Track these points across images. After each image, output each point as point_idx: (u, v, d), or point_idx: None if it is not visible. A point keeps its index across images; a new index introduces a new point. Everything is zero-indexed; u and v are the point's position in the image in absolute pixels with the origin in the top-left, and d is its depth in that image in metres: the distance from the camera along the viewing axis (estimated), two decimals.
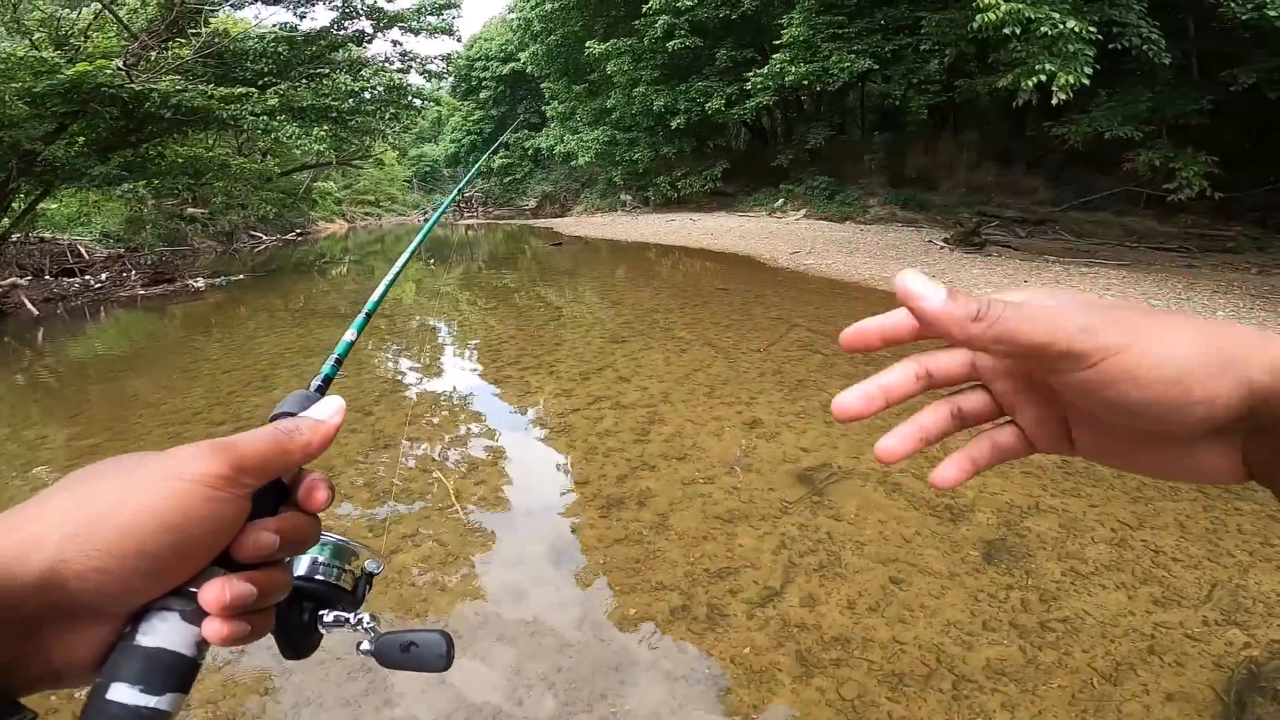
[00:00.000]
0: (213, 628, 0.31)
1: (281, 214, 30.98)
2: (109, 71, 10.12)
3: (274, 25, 13.80)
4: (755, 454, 3.80)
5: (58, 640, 0.29)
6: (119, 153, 13.27)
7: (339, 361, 0.48)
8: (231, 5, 14.20)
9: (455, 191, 1.19)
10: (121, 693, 0.28)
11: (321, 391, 0.42)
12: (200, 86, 11.44)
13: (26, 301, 10.57)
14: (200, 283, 13.20)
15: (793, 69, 14.47)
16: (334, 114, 13.07)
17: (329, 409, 0.38)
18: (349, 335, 0.52)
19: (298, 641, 0.39)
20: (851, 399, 0.34)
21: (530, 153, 33.57)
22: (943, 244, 11.66)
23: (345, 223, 39.58)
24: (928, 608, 2.49)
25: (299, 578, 0.39)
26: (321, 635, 0.40)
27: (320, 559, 0.40)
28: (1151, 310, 0.28)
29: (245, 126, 12.41)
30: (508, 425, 4.51)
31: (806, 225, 15.77)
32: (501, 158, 35.52)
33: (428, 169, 49.32)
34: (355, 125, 14.05)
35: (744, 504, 3.29)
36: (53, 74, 9.76)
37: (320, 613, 0.40)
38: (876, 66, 13.85)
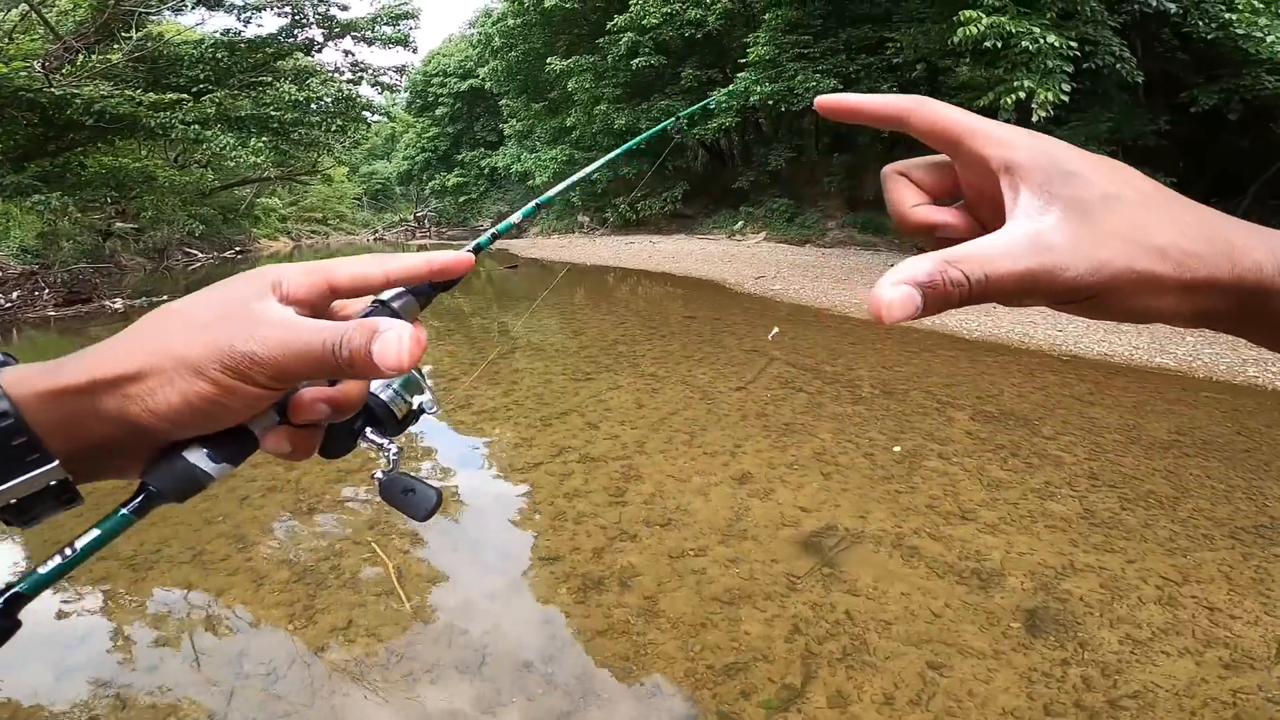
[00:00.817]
0: (267, 444, 0.33)
1: (214, 230, 29.45)
2: (24, 75, 9.20)
3: (215, 31, 12.93)
4: (749, 517, 3.33)
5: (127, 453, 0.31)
6: (36, 162, 12.15)
7: (494, 236, 0.47)
8: (171, 10, 13.25)
9: (532, 204, 0.86)
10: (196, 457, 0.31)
11: (476, 251, 0.41)
12: (127, 93, 10.50)
13: None
14: (119, 304, 12.06)
15: (758, 88, 14.38)
16: (275, 124, 12.25)
17: (390, 346, 0.30)
18: (514, 217, 0.53)
19: (337, 444, 0.39)
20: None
21: (486, 171, 32.87)
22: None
23: (290, 241, 37.85)
24: (977, 695, 2.15)
25: (370, 394, 0.39)
26: (356, 445, 0.40)
27: (393, 383, 0.40)
28: (1144, 203, 0.27)
29: (175, 136, 11.47)
30: (459, 484, 3.91)
31: (768, 249, 15.64)
32: (456, 176, 34.68)
33: (379, 186, 47.87)
34: (298, 137, 13.20)
35: (744, 581, 2.81)
36: None
37: (367, 428, 0.39)
38: (842, 86, 13.86)
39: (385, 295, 0.36)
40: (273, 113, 12.06)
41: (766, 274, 11.70)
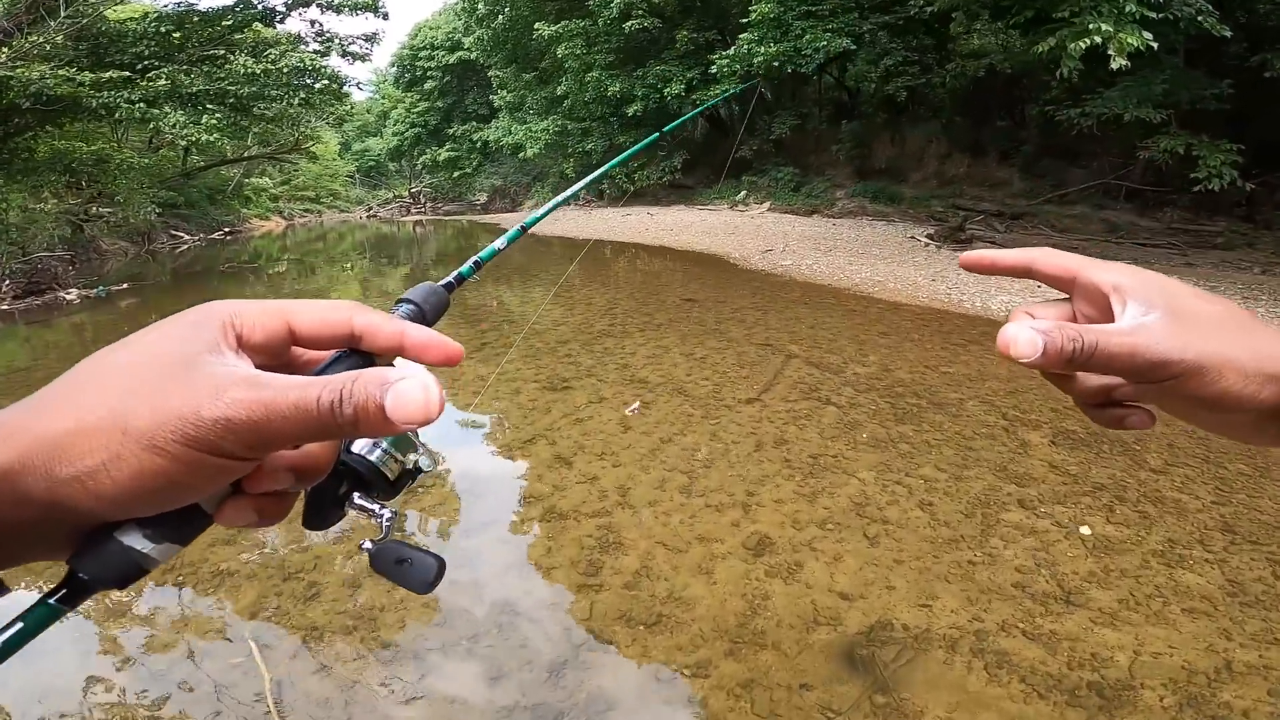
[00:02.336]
0: (221, 518, 0.29)
1: (202, 212, 28.31)
2: None
3: (168, 4, 11.68)
4: (769, 609, 2.35)
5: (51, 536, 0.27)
6: None
7: (479, 265, 0.44)
8: None
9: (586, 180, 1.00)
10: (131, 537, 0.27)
11: (450, 289, 0.39)
12: (63, 72, 9.39)
13: None
14: (74, 294, 11.06)
15: (762, 49, 13.04)
16: (231, 99, 11.06)
17: (408, 401, 0.26)
18: (498, 243, 0.49)
19: (323, 514, 0.36)
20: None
21: (479, 145, 31.41)
22: (926, 240, 10.45)
23: (283, 220, 36.69)
24: None
25: (352, 454, 0.36)
26: (344, 514, 0.37)
27: (381, 442, 0.36)
28: (1230, 324, 0.32)
29: (120, 116, 10.34)
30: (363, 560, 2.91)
31: (773, 219, 14.44)
32: (448, 150, 33.22)
33: (372, 163, 46.35)
34: (259, 112, 12.02)
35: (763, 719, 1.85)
36: None
37: (355, 494, 0.36)
38: (855, 47, 12.55)
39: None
40: (228, 87, 10.87)
41: (774, 247, 10.56)
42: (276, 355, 0.29)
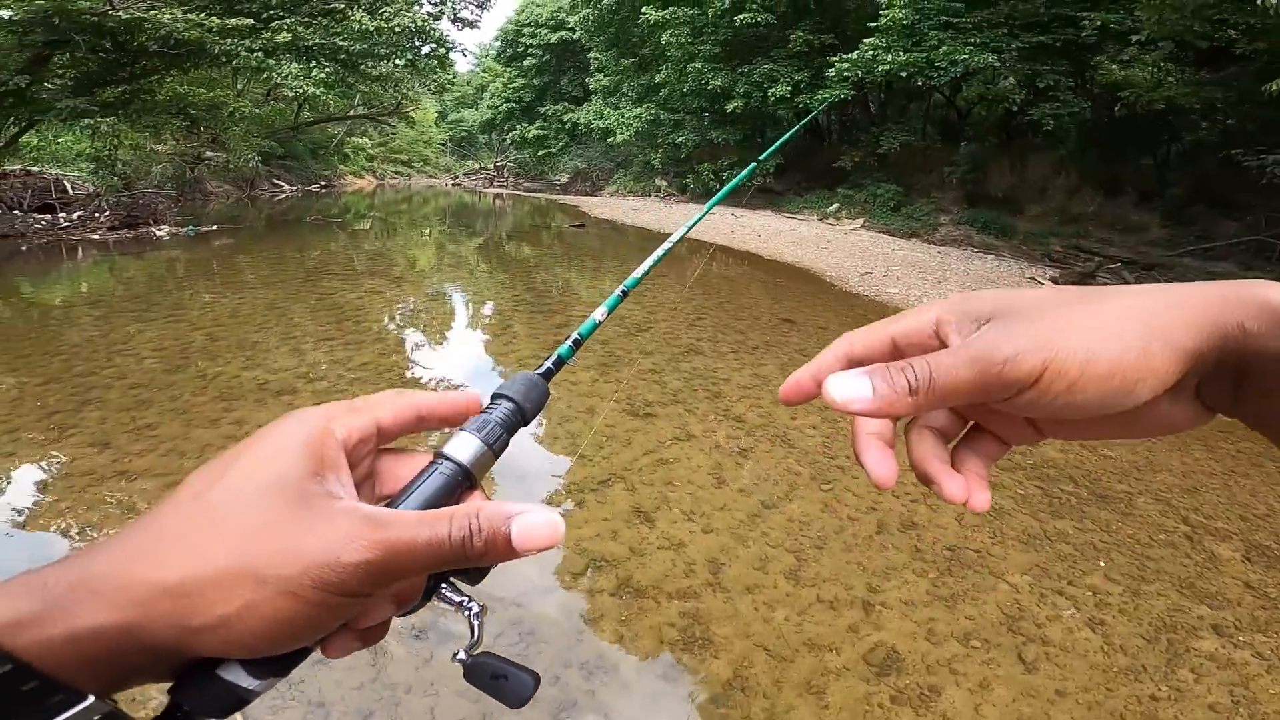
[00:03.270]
0: (329, 651, 0.29)
1: (303, 165, 29.17)
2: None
3: None
4: None
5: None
6: (110, 89, 11.36)
7: (578, 343, 0.41)
8: None
9: (742, 174, 0.89)
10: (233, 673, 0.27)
11: (548, 377, 0.37)
12: (194, 17, 9.36)
13: None
14: (164, 231, 11.17)
15: (889, 57, 11.91)
16: (343, 55, 10.85)
17: (532, 534, 0.27)
18: (598, 314, 0.46)
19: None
20: (793, 390, 0.33)
21: (567, 126, 31.10)
22: (1049, 284, 9.22)
23: (375, 179, 37.63)
24: None
25: None
26: (428, 601, 0.34)
27: None
28: (1066, 302, 0.28)
29: (238, 64, 10.28)
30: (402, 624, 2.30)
31: (868, 238, 13.32)
32: (537, 129, 33.06)
33: (464, 134, 46.99)
34: (365, 70, 11.81)
35: None
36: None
37: (443, 585, 0.33)
38: (997, 64, 11.28)
39: (449, 449, 0.31)
40: (341, 43, 10.65)
41: (875, 269, 9.55)
42: (365, 455, 0.30)
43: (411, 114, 31.31)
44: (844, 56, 13.14)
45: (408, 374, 4.52)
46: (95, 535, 2.61)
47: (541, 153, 33.50)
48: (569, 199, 24.88)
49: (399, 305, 6.67)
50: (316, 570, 0.24)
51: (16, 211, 12.35)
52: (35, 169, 14.07)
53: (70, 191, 13.68)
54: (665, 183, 22.60)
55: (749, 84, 17.17)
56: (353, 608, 0.26)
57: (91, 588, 0.23)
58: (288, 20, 10.44)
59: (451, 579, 0.33)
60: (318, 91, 10.93)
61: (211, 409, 3.79)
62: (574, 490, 3.10)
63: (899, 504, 3.12)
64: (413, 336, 5.62)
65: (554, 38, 31.55)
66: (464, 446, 0.31)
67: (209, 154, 20.66)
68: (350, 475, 0.28)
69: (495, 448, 0.32)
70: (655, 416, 3.88)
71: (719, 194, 0.83)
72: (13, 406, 3.75)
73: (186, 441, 3.39)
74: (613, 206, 20.97)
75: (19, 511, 2.76)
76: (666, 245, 0.57)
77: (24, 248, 10.17)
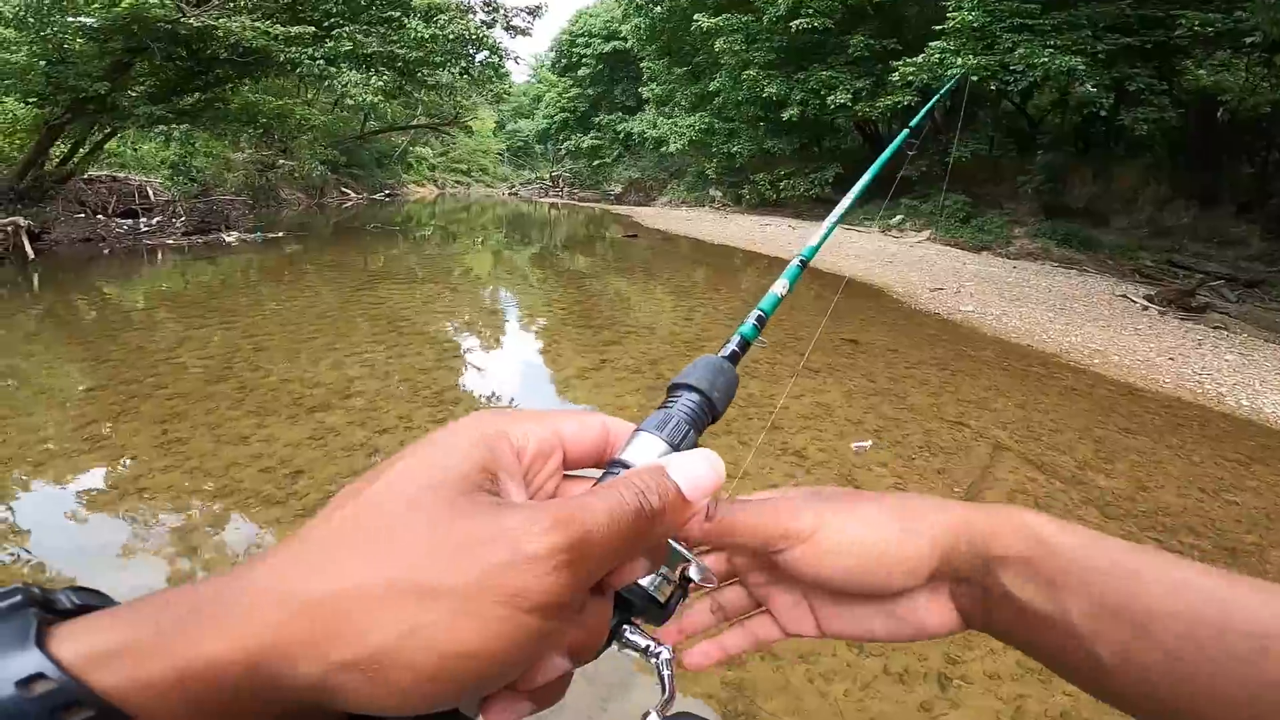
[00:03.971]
0: (491, 717, 0.23)
1: (369, 173, 30.11)
2: (159, 5, 8.54)
3: None
4: None
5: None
6: (187, 97, 11.85)
7: (762, 320, 0.38)
8: None
9: (865, 179, 0.86)
10: None
11: (734, 359, 0.34)
12: (260, 25, 9.60)
13: (27, 244, 8.93)
14: (232, 237, 11.49)
15: (958, 60, 11.17)
16: (400, 63, 10.94)
17: (698, 476, 0.25)
18: (778, 287, 0.42)
19: None
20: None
21: (621, 136, 31.05)
22: (1145, 303, 8.33)
23: (436, 189, 38.61)
24: None
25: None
26: (608, 647, 0.29)
27: (661, 567, 0.30)
28: (852, 494, 0.33)
29: (302, 72, 10.48)
30: None
31: (936, 252, 12.52)
32: (592, 139, 33.15)
33: (520, 144, 47.77)
34: (422, 78, 11.89)
35: None
36: (110, 6, 8.64)
37: (625, 627, 0.29)
38: (1081, 67, 10.39)
39: (627, 455, 0.27)
40: (398, 50, 10.74)
41: (946, 285, 8.85)
42: (549, 474, 0.26)
43: (470, 124, 31.94)
44: (908, 60, 12.42)
45: (451, 394, 4.25)
46: (91, 563, 2.39)
47: (596, 163, 33.57)
48: (622, 209, 24.72)
49: (448, 320, 6.47)
50: (497, 572, 0.19)
51: (100, 216, 12.98)
52: (121, 175, 14.86)
53: (152, 197, 14.34)
54: (720, 193, 22.14)
55: (806, 91, 16.57)
56: (542, 635, 0.20)
57: (217, 610, 0.18)
58: (347, 28, 10.58)
59: (634, 619, 0.28)
60: (377, 99, 11.06)
61: (245, 424, 3.60)
62: None
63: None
64: (460, 352, 5.37)
65: (607, 47, 31.62)
66: (645, 450, 0.26)
67: (281, 162, 21.46)
68: (524, 485, 0.24)
69: (682, 448, 0.27)
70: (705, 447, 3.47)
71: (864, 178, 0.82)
72: (52, 415, 3.67)
73: (213, 459, 3.19)
74: (666, 216, 20.65)
75: (17, 533, 2.58)
76: (840, 210, 0.58)
77: (106, 250, 10.61)
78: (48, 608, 0.18)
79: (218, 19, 9.58)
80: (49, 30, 8.58)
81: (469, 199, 33.78)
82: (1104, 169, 13.52)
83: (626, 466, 0.26)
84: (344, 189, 26.90)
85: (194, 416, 3.66)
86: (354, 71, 10.76)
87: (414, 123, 29.41)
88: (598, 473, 0.28)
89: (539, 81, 43.73)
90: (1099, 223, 12.93)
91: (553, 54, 36.53)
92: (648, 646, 0.28)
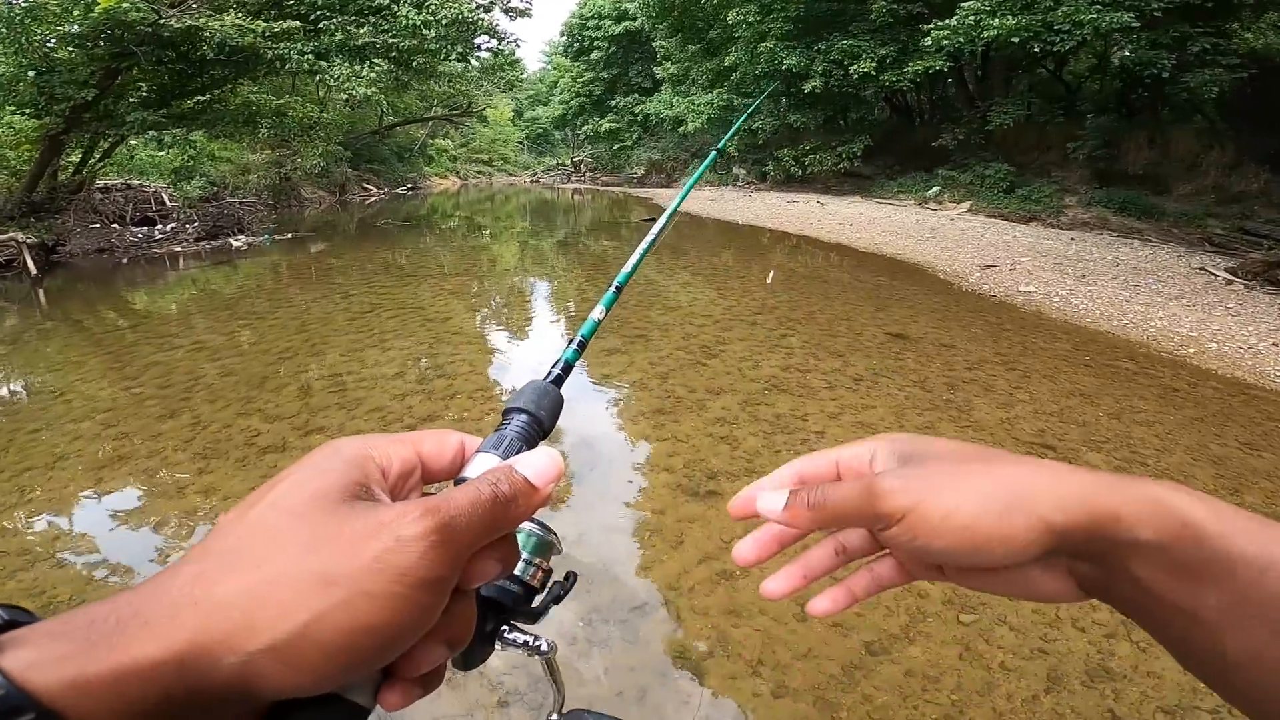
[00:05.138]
0: (388, 703, 0.26)
1: (390, 168, 29.74)
2: (127, 5, 8.03)
3: None
4: None
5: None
6: (186, 100, 11.42)
7: (583, 345, 0.40)
8: None
9: (708, 161, 0.98)
10: None
11: (558, 382, 0.37)
12: (242, 22, 9.05)
13: (29, 259, 8.60)
14: (240, 241, 11.07)
15: (995, 21, 10.01)
16: (394, 53, 10.27)
17: (542, 468, 0.28)
18: (596, 313, 0.44)
19: (472, 653, 0.32)
20: (775, 581, 0.35)
21: (639, 118, 30.00)
22: (1227, 276, 7.25)
23: (458, 180, 38.18)
24: None
25: (491, 584, 0.33)
26: (493, 650, 0.34)
27: (523, 555, 0.34)
28: (964, 459, 0.30)
29: (291, 67, 9.89)
30: None
31: (980, 224, 11.42)
32: (609, 122, 32.16)
33: (539, 131, 46.94)
34: (418, 67, 11.19)
35: None
36: (86, 12, 8.25)
37: (503, 629, 0.33)
38: (1137, 25, 9.19)
39: (468, 471, 0.30)
40: (390, 40, 10.06)
41: (998, 262, 7.87)
42: (409, 489, 0.28)
43: (486, 113, 31.28)
44: (940, 24, 11.24)
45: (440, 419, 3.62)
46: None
47: (616, 146, 32.61)
48: (644, 191, 23.84)
49: (435, 349, 5.85)
50: (384, 556, 0.22)
51: (116, 225, 12.73)
52: (136, 182, 14.63)
53: (168, 203, 14.08)
54: (743, 171, 21.09)
55: (828, 62, 15.40)
56: (427, 609, 0.23)
57: (142, 617, 0.20)
58: (336, 19, 9.95)
59: (511, 621, 0.31)
60: (369, 92, 10.41)
61: (188, 469, 3.03)
62: (593, 621, 2.05)
63: (1082, 641, 1.90)
64: (496, 349, 4.74)
65: (618, 29, 30.46)
66: (483, 466, 0.29)
67: (292, 161, 21.11)
68: (390, 498, 0.26)
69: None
70: (721, 497, 2.75)
71: (694, 176, 0.85)
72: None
73: (144, 515, 2.63)
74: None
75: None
76: (652, 234, 0.55)
77: (123, 260, 10.33)
78: None
79: (200, 19, 9.06)
80: (25, 40, 8.16)
81: (492, 189, 33.26)
82: (1160, 134, 12.17)
83: (467, 480, 0.28)
84: (365, 185, 26.59)
85: (138, 460, 3.10)
86: (346, 65, 10.11)
87: (428, 115, 28.88)
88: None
89: (554, 68, 42.71)
90: (1159, 189, 11.66)
91: (564, 39, 35.44)
92: (527, 642, 0.30)
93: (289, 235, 12.20)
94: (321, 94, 20.14)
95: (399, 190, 28.21)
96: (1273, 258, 7.57)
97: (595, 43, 31.89)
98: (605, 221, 16.64)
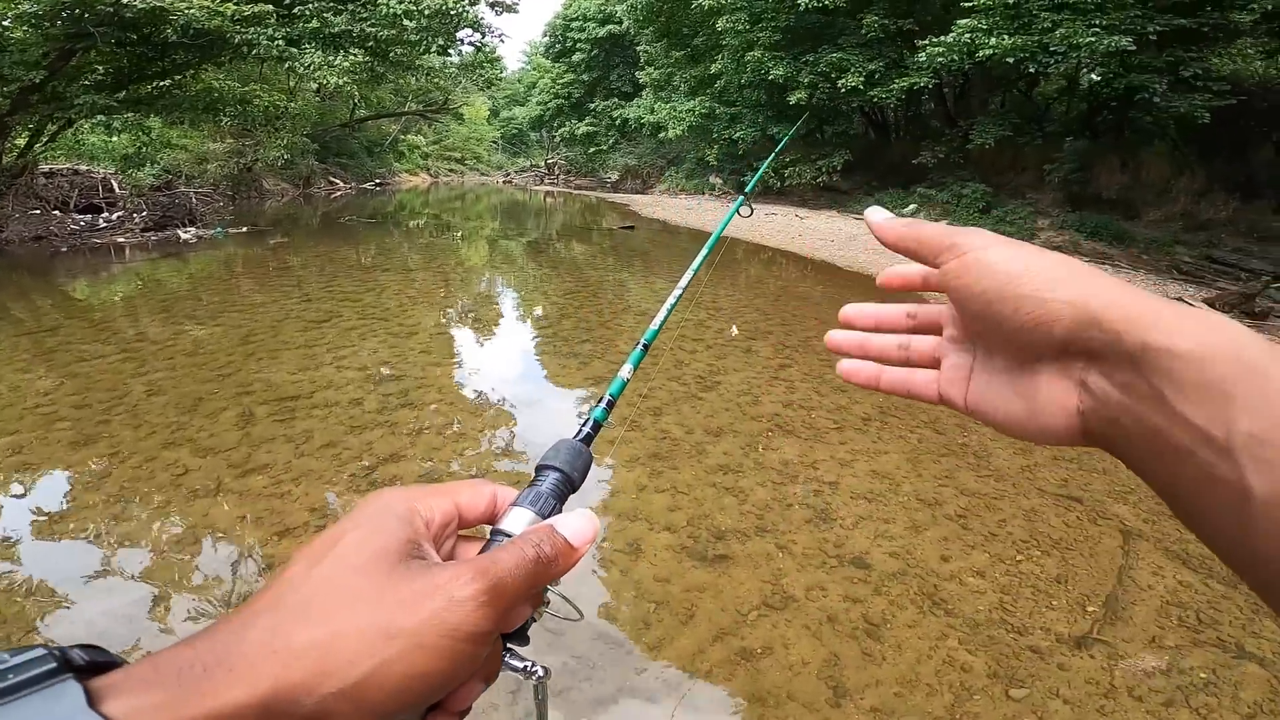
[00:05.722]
0: None
1: (359, 162, 28.68)
2: None
3: None
4: None
5: None
6: (144, 84, 10.60)
7: (611, 404, 0.41)
8: None
9: (757, 175, 1.04)
10: None
11: (588, 440, 0.38)
12: (209, 4, 8.39)
13: None
14: (189, 233, 10.29)
15: (991, 40, 9.96)
16: (371, 42, 9.69)
17: (580, 530, 0.31)
18: (624, 372, 0.45)
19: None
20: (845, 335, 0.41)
21: (618, 123, 29.63)
22: (1205, 306, 7.19)
23: (429, 177, 37.17)
24: None
25: None
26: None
27: None
28: (1023, 245, 0.31)
29: (259, 54, 9.23)
30: None
31: None
32: (587, 125, 31.72)
33: (515, 131, 46.19)
34: (396, 58, 10.62)
35: None
36: None
37: (504, 653, 0.33)
38: (1133, 49, 9.25)
39: (504, 524, 0.32)
40: (369, 29, 9.49)
41: None
42: (447, 537, 0.31)
43: (462, 111, 30.52)
44: (935, 40, 11.18)
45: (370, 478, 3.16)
46: None
47: (592, 150, 32.16)
48: (619, 197, 23.45)
49: (400, 370, 5.36)
50: (439, 614, 0.25)
51: (56, 211, 11.77)
52: (84, 168, 13.59)
53: (116, 191, 13.12)
54: (720, 180, 20.90)
55: (814, 74, 15.30)
56: (473, 658, 0.26)
57: (228, 664, 0.22)
58: (312, 4, 9.33)
59: (509, 645, 0.32)
60: (340, 81, 9.81)
61: (98, 516, 2.53)
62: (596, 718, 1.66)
63: (1140, 711, 1.62)
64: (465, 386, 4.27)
65: (602, 32, 30.08)
66: (519, 520, 0.31)
67: (253, 152, 20.09)
68: (435, 547, 0.29)
69: (550, 519, 0.32)
70: (731, 561, 2.39)
71: (721, 224, 0.87)
72: None
73: (38, 575, 2.13)
74: (664, 205, 19.43)
75: None
76: (680, 286, 0.55)
77: (62, 249, 9.48)
78: (68, 666, 0.22)
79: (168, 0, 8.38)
80: None
81: (463, 187, 32.45)
82: (1132, 157, 12.37)
83: (504, 534, 0.31)
84: (332, 179, 25.56)
85: None
86: (319, 53, 9.49)
87: (403, 110, 28.02)
88: (485, 529, 0.33)
89: (533, 68, 42.07)
90: (1130, 214, 11.81)
91: (547, 39, 34.88)
92: (525, 667, 0.32)
93: (244, 229, 11.40)
94: (291, 83, 19.21)
95: (366, 186, 27.24)
96: (1249, 290, 7.61)
97: (578, 44, 31.43)
98: (577, 226, 16.22)
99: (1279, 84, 11.46)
